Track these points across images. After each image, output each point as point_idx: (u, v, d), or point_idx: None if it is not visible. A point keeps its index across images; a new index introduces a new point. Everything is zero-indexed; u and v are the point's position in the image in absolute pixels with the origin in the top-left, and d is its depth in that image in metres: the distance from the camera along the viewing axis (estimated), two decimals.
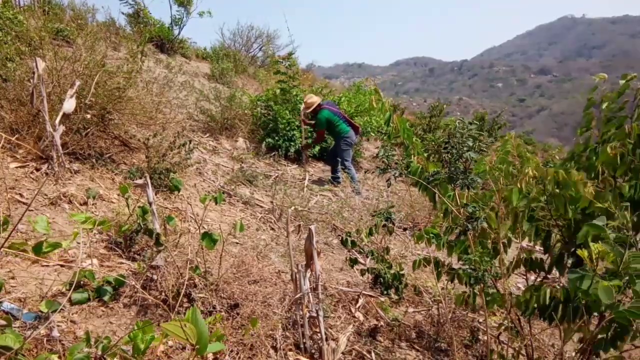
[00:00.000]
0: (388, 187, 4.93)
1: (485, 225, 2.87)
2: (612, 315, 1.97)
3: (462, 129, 5.15)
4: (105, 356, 1.72)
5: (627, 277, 1.97)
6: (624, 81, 2.61)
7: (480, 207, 2.97)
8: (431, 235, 3.02)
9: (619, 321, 2.02)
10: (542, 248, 2.78)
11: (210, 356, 2.36)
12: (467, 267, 2.79)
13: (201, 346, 1.31)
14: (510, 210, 2.69)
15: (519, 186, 2.65)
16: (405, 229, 5.99)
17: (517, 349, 2.75)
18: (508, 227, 2.63)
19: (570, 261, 2.62)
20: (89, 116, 4.54)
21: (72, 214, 2.00)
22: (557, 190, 2.55)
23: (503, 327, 2.86)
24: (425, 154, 3.77)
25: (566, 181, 2.56)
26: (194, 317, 1.31)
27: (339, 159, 7.76)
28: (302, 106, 7.93)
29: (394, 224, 3.87)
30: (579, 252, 2.08)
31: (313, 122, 7.94)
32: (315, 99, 7.84)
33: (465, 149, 4.94)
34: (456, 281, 2.99)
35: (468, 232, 2.90)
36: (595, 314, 2.22)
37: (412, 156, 3.51)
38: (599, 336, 2.22)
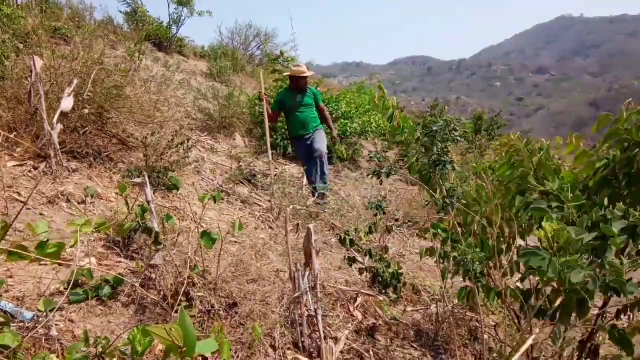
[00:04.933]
0: (380, 184, 4.95)
1: (463, 202, 2.89)
2: (565, 289, 2.01)
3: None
4: (104, 357, 1.72)
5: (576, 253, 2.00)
6: None
7: (459, 185, 2.99)
8: (438, 229, 3.03)
9: (572, 296, 2.06)
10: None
11: (209, 355, 2.36)
12: (461, 258, 2.79)
13: (189, 349, 1.30)
14: (499, 184, 2.72)
15: (503, 156, 2.68)
16: (408, 225, 5.99)
17: (515, 347, 2.75)
18: (499, 201, 2.64)
19: None
20: (86, 111, 4.53)
21: (73, 221, 1.99)
22: (542, 158, 2.58)
23: (502, 326, 2.86)
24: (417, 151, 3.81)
25: (544, 145, 2.59)
26: (182, 318, 1.30)
27: (323, 163, 6.33)
28: (288, 72, 6.63)
29: (384, 212, 3.89)
30: (535, 232, 2.13)
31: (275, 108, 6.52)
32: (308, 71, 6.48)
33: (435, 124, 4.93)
34: (455, 280, 2.99)
35: (445, 212, 2.92)
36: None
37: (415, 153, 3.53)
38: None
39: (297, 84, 6.37)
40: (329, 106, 9.77)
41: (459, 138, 4.16)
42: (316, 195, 5.95)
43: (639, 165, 2.39)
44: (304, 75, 6.31)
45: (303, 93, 6.40)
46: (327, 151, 6.41)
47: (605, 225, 2.05)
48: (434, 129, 4.03)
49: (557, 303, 2.13)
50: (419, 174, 3.38)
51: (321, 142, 6.36)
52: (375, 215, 3.92)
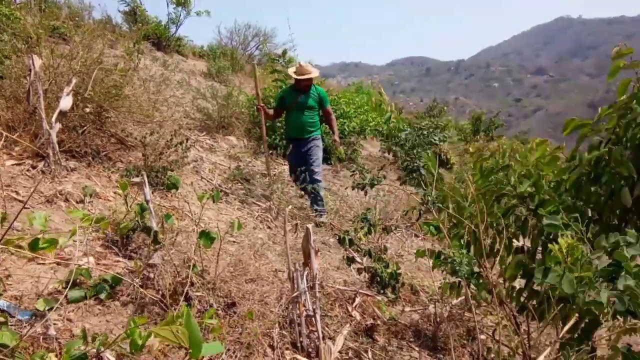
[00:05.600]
0: (365, 195, 4.92)
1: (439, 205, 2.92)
2: (580, 309, 2.02)
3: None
4: (101, 353, 1.72)
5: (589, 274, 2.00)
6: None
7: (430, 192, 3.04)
8: (431, 227, 3.04)
9: (585, 315, 2.07)
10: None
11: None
12: (450, 260, 2.81)
13: (194, 349, 1.29)
14: (476, 189, 2.74)
15: (476, 165, 2.71)
16: (406, 226, 5.99)
17: (513, 347, 2.76)
18: (473, 208, 2.66)
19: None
20: (87, 110, 4.52)
21: (69, 210, 1.99)
22: (508, 161, 2.60)
23: (500, 326, 2.87)
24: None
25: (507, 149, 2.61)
26: (187, 319, 1.30)
27: (319, 171, 5.93)
28: (293, 70, 6.11)
29: (372, 225, 3.92)
30: (550, 246, 2.14)
31: (275, 109, 6.27)
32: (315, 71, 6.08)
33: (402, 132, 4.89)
34: (453, 279, 3.00)
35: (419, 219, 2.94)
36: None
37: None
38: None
39: (300, 84, 5.94)
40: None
41: (435, 142, 4.18)
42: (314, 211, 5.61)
43: (607, 164, 2.42)
44: (307, 77, 5.88)
45: (306, 94, 5.95)
46: (320, 171, 5.97)
47: (619, 251, 2.06)
48: (402, 136, 4.07)
49: (572, 322, 2.14)
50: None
51: (315, 160, 5.90)
52: (362, 224, 3.94)
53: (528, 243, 2.96)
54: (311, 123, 5.97)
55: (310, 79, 5.94)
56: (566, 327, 2.17)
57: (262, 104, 6.08)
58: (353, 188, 4.46)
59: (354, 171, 4.32)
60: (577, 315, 2.14)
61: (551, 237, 2.56)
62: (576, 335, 2.24)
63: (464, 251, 2.77)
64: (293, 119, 6.00)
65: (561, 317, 2.21)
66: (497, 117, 14.32)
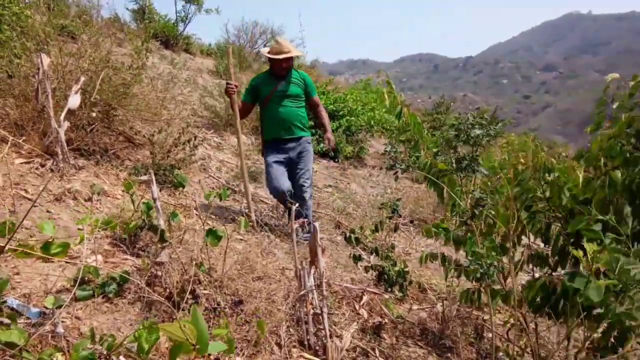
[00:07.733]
0: (395, 180, 4.73)
1: (492, 212, 2.88)
2: (610, 319, 1.98)
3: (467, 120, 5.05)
4: (110, 354, 1.72)
5: (620, 284, 1.97)
6: (633, 82, 2.59)
7: (488, 193, 2.98)
8: (440, 229, 3.01)
9: (615, 324, 2.04)
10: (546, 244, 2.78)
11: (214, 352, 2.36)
12: (474, 262, 2.77)
13: (201, 346, 1.29)
14: (506, 198, 2.71)
15: (511, 174, 2.69)
16: (412, 222, 5.98)
17: (522, 346, 2.74)
18: (507, 216, 2.63)
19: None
20: (94, 114, 4.54)
21: (77, 220, 2.00)
22: (549, 177, 2.58)
23: (509, 325, 2.85)
24: (435, 150, 3.76)
25: (554, 166, 2.58)
26: (195, 317, 1.30)
27: (310, 191, 4.74)
28: (267, 50, 4.62)
29: (400, 216, 3.85)
30: (574, 252, 2.11)
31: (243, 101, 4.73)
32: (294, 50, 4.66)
33: (473, 130, 4.65)
34: (462, 278, 2.98)
35: (474, 220, 2.90)
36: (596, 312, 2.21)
37: (422, 151, 3.52)
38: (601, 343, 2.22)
39: (277, 66, 4.58)
40: (336, 104, 9.69)
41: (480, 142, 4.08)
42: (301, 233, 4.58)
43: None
44: (285, 56, 4.52)
45: (287, 79, 4.65)
46: (311, 191, 4.85)
47: None
48: (477, 133, 3.95)
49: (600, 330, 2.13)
50: (430, 178, 3.36)
51: (306, 172, 4.68)
52: (383, 210, 3.89)
53: (537, 242, 2.94)
54: (298, 117, 4.68)
55: (290, 59, 4.60)
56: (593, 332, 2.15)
57: (236, 84, 4.53)
58: (386, 169, 4.32)
59: (386, 151, 4.18)
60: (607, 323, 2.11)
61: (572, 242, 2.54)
62: (609, 344, 2.19)
63: (494, 254, 2.74)
64: (273, 113, 4.63)
65: (588, 323, 2.18)
66: (497, 112, 14.31)
